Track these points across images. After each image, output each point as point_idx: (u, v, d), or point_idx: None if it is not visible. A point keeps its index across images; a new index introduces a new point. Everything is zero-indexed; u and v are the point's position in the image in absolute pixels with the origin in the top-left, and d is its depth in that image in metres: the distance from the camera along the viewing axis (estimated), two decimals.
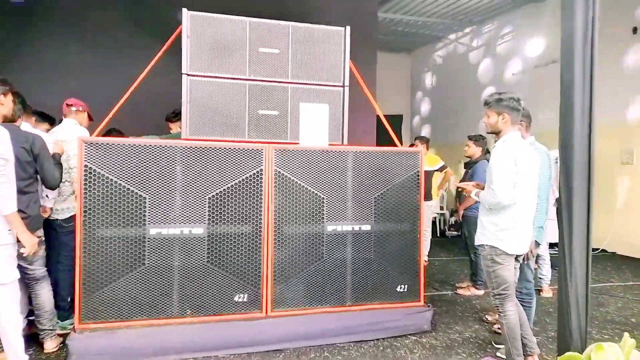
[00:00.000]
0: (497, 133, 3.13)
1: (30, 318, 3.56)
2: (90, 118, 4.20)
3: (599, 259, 6.99)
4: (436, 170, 6.47)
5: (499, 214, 3.02)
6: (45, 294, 3.41)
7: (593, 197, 2.99)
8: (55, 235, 3.74)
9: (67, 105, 4.01)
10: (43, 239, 3.40)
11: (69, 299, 3.76)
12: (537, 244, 3.59)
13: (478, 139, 5.29)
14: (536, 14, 9.26)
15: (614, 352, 2.78)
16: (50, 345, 3.46)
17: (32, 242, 3.01)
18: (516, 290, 3.29)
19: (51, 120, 4.21)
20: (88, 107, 4.14)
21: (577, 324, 3.00)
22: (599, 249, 7.44)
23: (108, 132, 4.99)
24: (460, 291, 5.17)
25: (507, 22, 10.13)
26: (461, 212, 5.19)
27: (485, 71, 10.72)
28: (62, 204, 3.74)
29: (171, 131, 4.81)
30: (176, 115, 4.63)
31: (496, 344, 3.73)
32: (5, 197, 2.80)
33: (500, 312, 3.10)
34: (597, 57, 2.94)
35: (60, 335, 3.59)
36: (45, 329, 3.45)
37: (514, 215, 3.01)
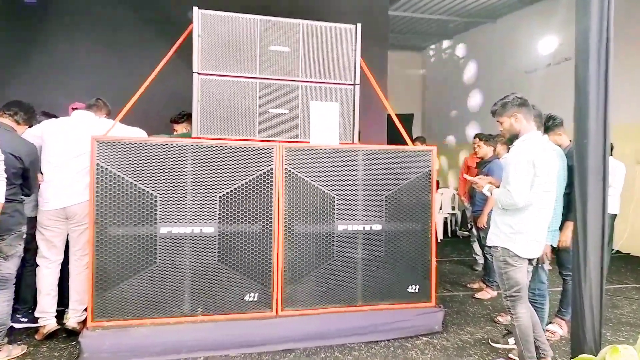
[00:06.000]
0: (517, 136, 3.06)
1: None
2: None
3: (613, 260, 6.86)
4: None
5: (515, 216, 2.96)
6: (2, 302, 3.16)
7: (607, 198, 2.94)
8: None
9: (73, 109, 4.02)
10: (24, 235, 3.29)
11: None
12: (552, 248, 3.55)
13: (488, 139, 5.23)
14: (548, 11, 9.14)
15: (629, 355, 2.72)
16: None
17: None
18: (529, 292, 3.25)
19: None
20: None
21: (591, 326, 2.95)
22: (613, 250, 7.32)
23: None
24: (478, 295, 5.08)
25: (519, 20, 10.01)
26: (485, 217, 4.91)
27: (496, 70, 10.60)
28: None
29: (175, 132, 4.76)
30: (182, 117, 4.53)
31: (492, 342, 3.74)
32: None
33: (512, 314, 3.07)
34: (613, 55, 2.89)
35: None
36: None
37: (529, 218, 2.95)
